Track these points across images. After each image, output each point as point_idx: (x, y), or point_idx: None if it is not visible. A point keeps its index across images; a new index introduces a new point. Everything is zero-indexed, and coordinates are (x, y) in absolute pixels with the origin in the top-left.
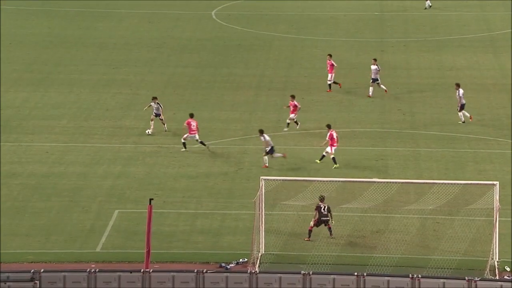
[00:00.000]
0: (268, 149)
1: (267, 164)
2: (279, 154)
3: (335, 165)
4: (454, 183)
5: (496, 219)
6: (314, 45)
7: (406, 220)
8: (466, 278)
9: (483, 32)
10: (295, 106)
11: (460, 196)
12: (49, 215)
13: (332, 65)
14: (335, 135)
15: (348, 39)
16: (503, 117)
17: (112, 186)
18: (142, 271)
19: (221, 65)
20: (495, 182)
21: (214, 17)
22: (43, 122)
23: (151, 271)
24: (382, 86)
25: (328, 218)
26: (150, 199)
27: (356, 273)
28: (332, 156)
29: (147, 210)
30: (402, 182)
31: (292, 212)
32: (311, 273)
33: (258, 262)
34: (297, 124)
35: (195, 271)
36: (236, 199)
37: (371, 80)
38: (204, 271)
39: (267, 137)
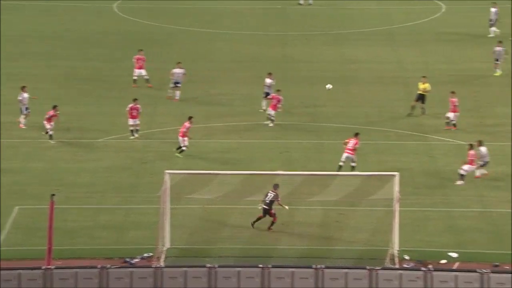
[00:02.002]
0: None
1: None
2: None
3: (178, 154)
4: (356, 175)
5: (396, 209)
6: (218, 39)
7: (310, 212)
8: (368, 267)
9: (383, 26)
10: (138, 110)
11: (362, 187)
12: None
13: (144, 60)
14: (187, 125)
15: (251, 32)
16: (401, 109)
17: (12, 182)
18: (43, 268)
19: (124, 58)
20: (395, 173)
21: (115, 9)
22: None
23: (53, 268)
24: (177, 92)
25: (268, 208)
26: (52, 195)
27: (261, 265)
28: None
29: (48, 206)
30: (306, 174)
31: (198, 206)
32: (216, 266)
33: (163, 257)
34: (136, 132)
35: (99, 267)
36: (141, 194)
37: (173, 84)
38: (108, 267)
39: None
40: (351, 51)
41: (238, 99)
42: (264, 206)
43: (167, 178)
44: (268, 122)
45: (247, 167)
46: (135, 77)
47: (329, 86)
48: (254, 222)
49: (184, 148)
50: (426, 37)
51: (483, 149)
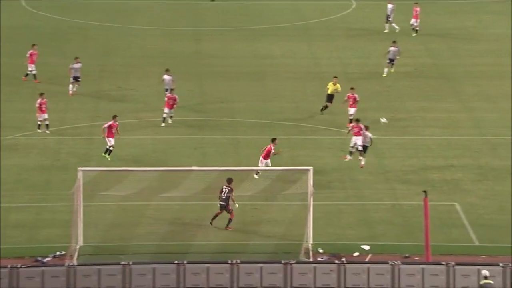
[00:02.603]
0: None
1: None
2: None
3: (107, 156)
4: (271, 169)
5: (310, 203)
6: (130, 34)
7: None
8: (282, 261)
9: (296, 21)
10: (46, 104)
11: (276, 181)
12: None
13: (37, 55)
14: (107, 124)
15: (164, 28)
16: (316, 104)
17: None
18: None
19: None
20: (309, 168)
21: (24, 4)
22: None
23: None
24: (75, 85)
25: (224, 203)
26: None
27: (176, 262)
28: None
29: None
30: (221, 170)
31: (112, 203)
32: (131, 263)
33: (76, 255)
34: (47, 128)
35: (9, 266)
36: (53, 191)
37: (72, 79)
38: (19, 266)
39: None
40: (265, 47)
41: (152, 95)
42: (221, 202)
43: (80, 175)
44: (164, 123)
45: (162, 163)
46: (34, 72)
47: (384, 120)
48: (212, 219)
49: (111, 148)
50: (339, 32)
51: (368, 134)
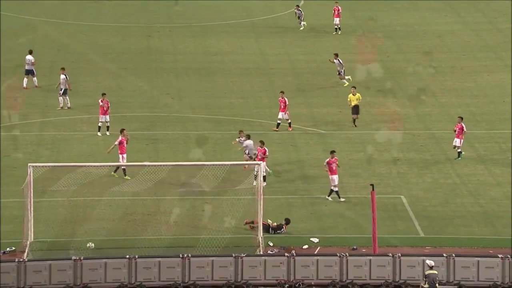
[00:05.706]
0: None
1: None
2: None
3: (117, 175)
4: (222, 164)
5: (260, 197)
6: (79, 30)
7: (177, 202)
8: (233, 255)
9: (245, 18)
10: None
11: (227, 176)
12: None
13: None
14: (117, 141)
15: (114, 24)
16: (264, 100)
17: None
18: None
19: None
20: (259, 162)
21: None
22: None
23: None
24: (34, 79)
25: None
26: None
27: (128, 256)
28: None
29: None
30: (173, 165)
31: (63, 198)
32: (82, 258)
33: (27, 250)
34: None
35: None
36: (3, 187)
37: (26, 72)
38: None
39: None
40: (215, 43)
41: (103, 90)
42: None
43: (30, 171)
44: (99, 132)
45: (113, 158)
46: None
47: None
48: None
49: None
50: (286, 29)
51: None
